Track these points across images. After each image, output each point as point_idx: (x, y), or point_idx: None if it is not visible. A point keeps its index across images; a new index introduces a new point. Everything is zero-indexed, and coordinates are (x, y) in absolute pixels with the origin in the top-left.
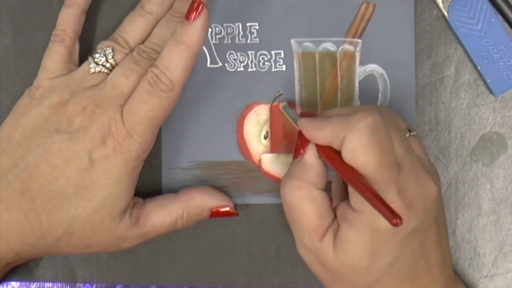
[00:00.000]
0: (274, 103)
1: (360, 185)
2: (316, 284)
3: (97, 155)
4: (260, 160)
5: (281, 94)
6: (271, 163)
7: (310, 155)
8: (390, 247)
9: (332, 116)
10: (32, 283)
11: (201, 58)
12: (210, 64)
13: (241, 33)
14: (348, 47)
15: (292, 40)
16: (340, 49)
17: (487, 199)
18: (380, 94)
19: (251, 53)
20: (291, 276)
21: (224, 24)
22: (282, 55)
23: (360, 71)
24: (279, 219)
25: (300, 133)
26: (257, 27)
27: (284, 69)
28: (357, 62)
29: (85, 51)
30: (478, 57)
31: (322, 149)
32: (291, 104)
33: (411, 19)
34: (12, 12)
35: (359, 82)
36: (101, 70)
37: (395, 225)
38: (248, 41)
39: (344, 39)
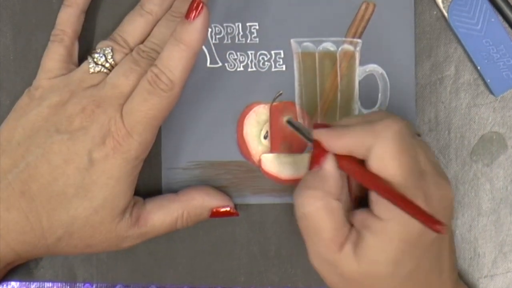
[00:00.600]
0: (274, 103)
1: (393, 194)
2: (316, 284)
3: (97, 155)
4: (260, 160)
5: (281, 94)
6: (271, 163)
7: (329, 165)
8: (415, 255)
9: (350, 125)
10: (32, 283)
11: (201, 58)
12: (210, 64)
13: (241, 33)
14: (348, 47)
15: (292, 40)
16: (340, 49)
17: (487, 199)
18: (380, 94)
19: (251, 53)
20: (291, 276)
21: (224, 24)
22: (282, 55)
23: (360, 71)
24: (279, 219)
25: (316, 143)
26: (257, 27)
27: (284, 69)
28: (357, 62)
29: (85, 51)
30: (478, 57)
31: (342, 159)
32: (290, 104)
33: (411, 19)
34: (12, 12)
35: (359, 82)
36: (100, 70)
37: (439, 231)
38: (248, 41)
39: (344, 39)
